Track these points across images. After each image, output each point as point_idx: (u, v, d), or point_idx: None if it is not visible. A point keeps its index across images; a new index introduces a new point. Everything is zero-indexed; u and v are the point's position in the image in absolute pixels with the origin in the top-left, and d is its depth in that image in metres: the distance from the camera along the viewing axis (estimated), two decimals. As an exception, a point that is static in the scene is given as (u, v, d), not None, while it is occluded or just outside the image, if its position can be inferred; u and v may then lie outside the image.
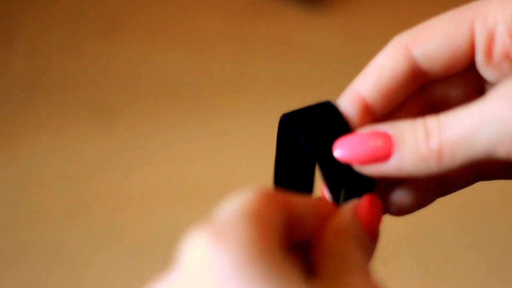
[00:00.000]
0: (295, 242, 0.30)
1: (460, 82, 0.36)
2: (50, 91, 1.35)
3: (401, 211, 0.36)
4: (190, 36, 1.46)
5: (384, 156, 0.32)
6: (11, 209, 1.17)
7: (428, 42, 0.34)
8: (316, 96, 1.53)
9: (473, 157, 0.31)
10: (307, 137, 0.35)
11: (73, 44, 1.43)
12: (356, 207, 0.33)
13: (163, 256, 1.06)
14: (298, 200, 0.30)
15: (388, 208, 0.36)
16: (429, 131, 0.31)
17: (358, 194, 0.34)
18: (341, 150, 0.33)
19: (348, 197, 0.34)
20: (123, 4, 1.51)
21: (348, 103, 0.35)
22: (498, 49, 0.34)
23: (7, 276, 1.08)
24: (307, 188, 0.38)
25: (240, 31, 1.47)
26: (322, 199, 0.34)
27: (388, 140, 0.32)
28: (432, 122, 0.31)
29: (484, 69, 0.34)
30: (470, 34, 0.34)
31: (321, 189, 0.36)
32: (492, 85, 0.35)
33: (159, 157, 1.24)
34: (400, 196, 0.36)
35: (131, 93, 1.35)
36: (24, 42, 1.43)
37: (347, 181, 0.34)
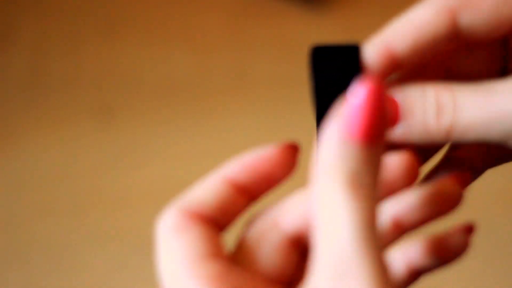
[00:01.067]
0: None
1: (487, 55, 0.35)
2: (50, 91, 1.35)
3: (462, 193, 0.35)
4: (190, 36, 1.46)
5: (390, 120, 0.31)
6: (11, 209, 1.17)
7: (480, 10, 0.31)
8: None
9: (483, 141, 0.31)
10: (318, 78, 0.33)
11: (74, 45, 1.43)
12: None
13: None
14: (203, 198, 0.31)
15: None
16: (441, 108, 0.31)
17: None
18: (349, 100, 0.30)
19: None
20: (123, 5, 1.51)
21: (376, 56, 0.32)
22: None
23: (7, 276, 1.08)
24: None
25: (240, 31, 1.47)
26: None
27: (396, 108, 0.31)
28: (446, 98, 0.31)
29: None
30: None
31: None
32: None
33: (159, 157, 1.24)
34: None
35: (132, 93, 1.35)
36: (24, 43, 1.43)
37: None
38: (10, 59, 1.40)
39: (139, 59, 1.41)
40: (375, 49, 0.33)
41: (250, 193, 0.32)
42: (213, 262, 0.28)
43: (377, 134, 0.27)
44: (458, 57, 0.35)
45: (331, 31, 1.47)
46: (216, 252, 0.29)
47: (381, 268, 0.26)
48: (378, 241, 0.26)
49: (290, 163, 0.32)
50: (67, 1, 1.51)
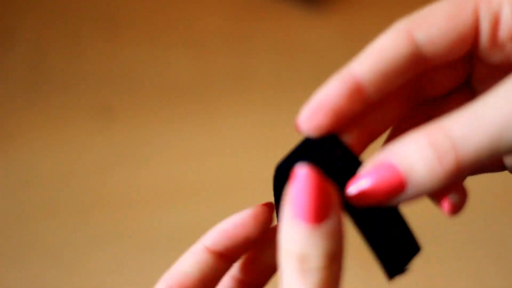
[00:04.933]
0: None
1: (452, 70, 0.35)
2: (51, 91, 1.35)
3: (456, 210, 0.34)
4: (191, 36, 1.46)
5: (399, 187, 0.30)
6: (12, 209, 1.17)
7: (432, 26, 0.33)
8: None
9: (498, 156, 0.30)
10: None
11: (75, 45, 1.43)
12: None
13: (165, 256, 1.06)
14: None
15: (448, 212, 0.34)
16: (440, 151, 0.30)
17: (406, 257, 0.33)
18: (356, 198, 0.31)
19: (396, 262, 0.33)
20: (123, 4, 1.51)
21: (338, 83, 0.33)
22: (504, 31, 0.33)
23: (7, 276, 1.09)
24: None
25: (240, 32, 1.47)
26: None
27: (395, 172, 0.30)
28: (440, 139, 0.30)
29: (487, 52, 0.34)
30: (474, 17, 0.33)
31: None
32: (492, 67, 0.35)
33: (160, 157, 1.24)
34: (453, 200, 0.34)
35: (132, 93, 1.35)
36: (25, 43, 1.43)
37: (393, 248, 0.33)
38: (11, 59, 1.40)
39: (140, 60, 1.41)
40: (338, 80, 0.33)
41: (230, 257, 0.36)
42: None
43: (322, 214, 0.28)
44: (426, 79, 0.35)
45: (331, 32, 1.47)
46: None
47: None
48: None
49: (265, 222, 0.35)
50: (67, 2, 1.51)
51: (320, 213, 0.28)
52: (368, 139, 0.35)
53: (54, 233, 1.13)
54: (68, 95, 1.34)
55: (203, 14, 1.51)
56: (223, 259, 0.35)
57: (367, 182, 0.31)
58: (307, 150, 0.33)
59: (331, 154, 0.33)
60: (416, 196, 0.31)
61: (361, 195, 0.31)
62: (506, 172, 0.39)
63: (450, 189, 0.33)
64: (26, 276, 1.09)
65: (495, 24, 0.33)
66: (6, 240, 1.13)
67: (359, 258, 1.10)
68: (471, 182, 0.39)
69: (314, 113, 0.32)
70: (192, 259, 0.35)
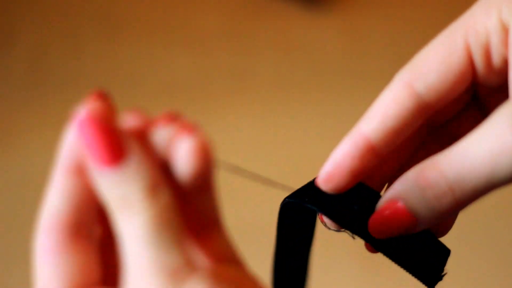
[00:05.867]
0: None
1: (458, 98, 0.37)
2: (50, 91, 1.35)
3: (442, 233, 0.38)
4: (191, 36, 1.46)
5: (412, 224, 0.34)
6: (12, 209, 1.17)
7: (429, 75, 0.34)
8: (316, 95, 1.53)
9: (492, 190, 0.32)
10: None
11: (74, 45, 1.43)
12: None
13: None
14: None
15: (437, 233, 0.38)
16: (438, 193, 0.32)
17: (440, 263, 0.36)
18: (377, 234, 0.35)
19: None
20: (123, 5, 1.51)
21: (350, 145, 0.35)
22: (496, 58, 0.34)
23: (7, 276, 1.09)
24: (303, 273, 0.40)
25: (240, 31, 1.47)
26: None
27: (404, 212, 0.33)
28: (436, 180, 0.32)
29: (486, 78, 0.35)
30: (466, 54, 0.34)
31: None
32: (494, 88, 0.37)
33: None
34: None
35: (132, 93, 1.35)
36: (25, 43, 1.43)
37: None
38: (11, 59, 1.40)
39: (140, 60, 1.41)
40: (351, 141, 0.35)
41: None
42: None
43: (116, 154, 0.27)
44: (433, 114, 0.37)
45: (331, 31, 1.47)
46: (84, 281, 0.28)
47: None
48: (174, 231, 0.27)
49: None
50: (67, 2, 1.51)
51: (117, 149, 0.27)
52: (385, 179, 0.38)
53: (54, 233, 1.13)
54: (68, 95, 1.34)
55: (203, 13, 1.51)
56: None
57: (383, 223, 0.34)
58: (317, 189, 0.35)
59: (349, 191, 0.35)
60: (428, 226, 0.34)
61: (381, 232, 0.34)
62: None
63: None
64: (26, 276, 1.09)
65: (487, 53, 0.34)
66: (4, 239, 1.13)
67: (359, 258, 1.10)
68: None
69: (332, 176, 0.35)
70: (60, 190, 0.30)
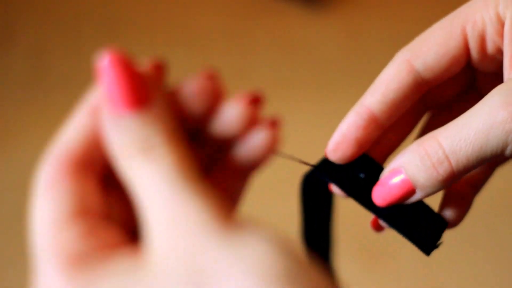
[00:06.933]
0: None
1: (453, 81, 0.42)
2: (51, 91, 1.35)
3: (455, 223, 0.40)
4: (191, 36, 1.46)
5: (411, 192, 0.37)
6: (11, 209, 1.17)
7: (427, 55, 0.38)
8: (316, 94, 1.53)
9: (485, 162, 0.35)
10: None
11: (74, 45, 1.43)
12: None
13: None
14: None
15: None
16: (436, 162, 0.35)
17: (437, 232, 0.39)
18: (380, 201, 0.38)
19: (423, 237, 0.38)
20: (123, 5, 1.51)
21: (355, 116, 0.38)
22: (490, 46, 0.38)
23: (7, 276, 1.09)
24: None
25: (240, 31, 1.47)
26: None
27: (406, 181, 0.36)
28: (435, 149, 0.35)
29: (480, 64, 0.39)
30: (463, 39, 0.38)
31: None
32: (489, 74, 0.41)
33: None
34: (447, 215, 0.40)
35: (131, 92, 1.35)
36: (25, 43, 1.43)
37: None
38: (12, 59, 1.40)
39: (139, 59, 1.41)
40: (356, 113, 0.39)
41: None
42: (76, 223, 0.27)
43: (142, 97, 0.27)
44: (431, 93, 0.42)
45: (331, 31, 1.47)
46: (84, 209, 0.27)
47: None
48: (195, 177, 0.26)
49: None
50: (67, 2, 1.51)
51: (142, 96, 0.27)
52: (388, 152, 0.41)
53: (53, 232, 1.13)
54: (68, 94, 1.34)
55: (203, 13, 1.51)
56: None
57: (386, 191, 0.37)
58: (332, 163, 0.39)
59: (355, 163, 0.39)
60: (427, 195, 0.37)
61: (384, 199, 0.37)
62: (505, 172, 0.42)
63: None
64: (26, 276, 1.09)
65: (482, 41, 0.38)
66: (4, 239, 1.13)
67: (360, 258, 1.10)
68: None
69: (339, 145, 0.38)
70: (77, 126, 0.30)
